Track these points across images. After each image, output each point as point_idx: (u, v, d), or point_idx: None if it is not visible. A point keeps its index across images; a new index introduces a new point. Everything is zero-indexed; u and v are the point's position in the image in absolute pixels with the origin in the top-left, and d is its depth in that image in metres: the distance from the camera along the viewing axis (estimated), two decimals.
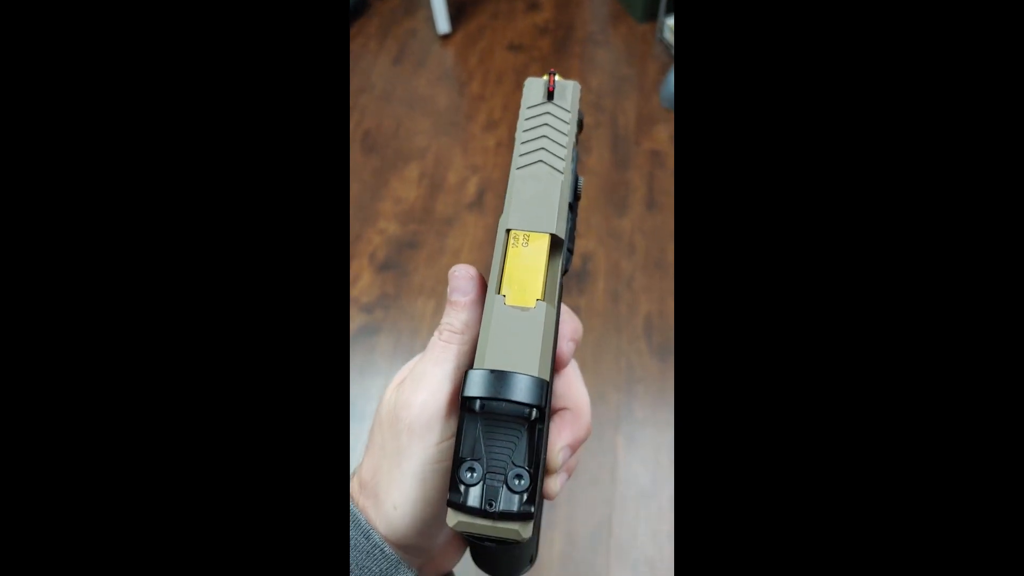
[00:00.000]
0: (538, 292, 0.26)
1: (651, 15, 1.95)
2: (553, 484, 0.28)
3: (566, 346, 0.30)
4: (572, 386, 0.31)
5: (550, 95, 0.31)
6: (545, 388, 0.24)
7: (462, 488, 0.23)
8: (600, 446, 1.16)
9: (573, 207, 0.31)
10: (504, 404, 0.24)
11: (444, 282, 1.40)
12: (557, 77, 0.31)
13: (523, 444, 0.24)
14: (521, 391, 0.23)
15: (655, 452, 1.15)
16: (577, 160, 0.32)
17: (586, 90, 1.74)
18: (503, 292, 0.26)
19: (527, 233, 0.27)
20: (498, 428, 0.24)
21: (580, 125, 0.33)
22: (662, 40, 1.89)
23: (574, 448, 0.29)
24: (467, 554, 0.32)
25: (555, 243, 0.28)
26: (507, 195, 0.29)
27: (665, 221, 1.49)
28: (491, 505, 0.23)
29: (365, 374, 1.28)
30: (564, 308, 0.31)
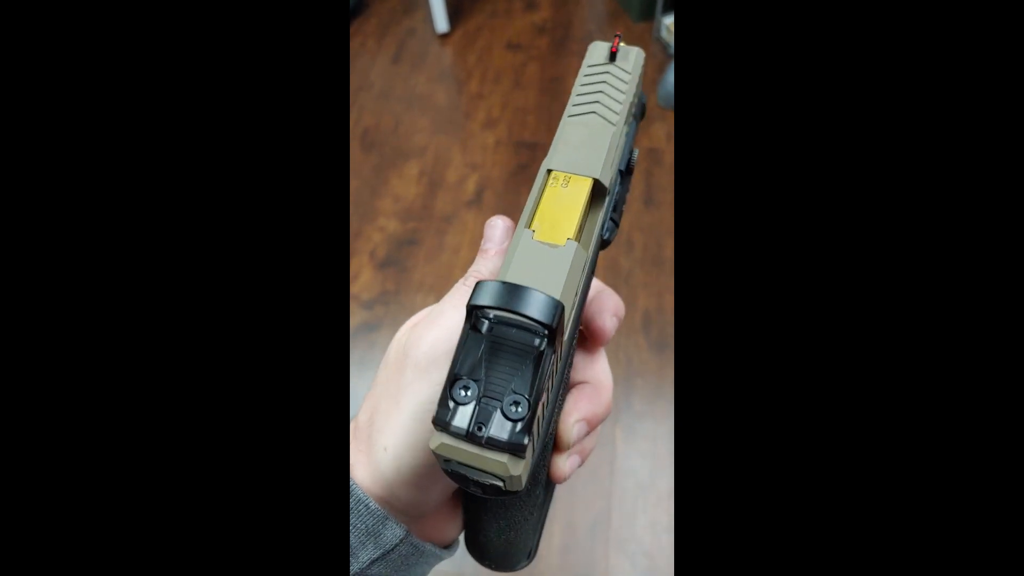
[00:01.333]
0: (571, 231, 0.24)
1: (648, 14, 1.96)
2: (563, 464, 0.26)
3: (608, 321, 0.28)
4: (596, 363, 0.29)
5: (612, 56, 0.30)
6: (561, 311, 0.20)
7: (451, 405, 0.20)
8: (599, 438, 1.17)
9: (625, 177, 0.29)
10: (513, 329, 0.21)
11: (443, 279, 1.42)
12: (621, 42, 0.31)
13: (528, 372, 0.21)
14: (535, 307, 0.20)
15: (653, 444, 1.16)
16: (634, 136, 0.31)
17: None
18: (533, 228, 0.24)
19: (568, 175, 0.26)
20: (503, 353, 0.21)
21: (643, 109, 0.32)
22: (659, 39, 1.90)
23: (591, 424, 0.27)
24: (467, 552, 0.31)
25: (597, 190, 0.26)
26: (554, 139, 0.27)
27: (662, 218, 1.50)
28: (480, 429, 0.20)
29: (364, 369, 1.30)
30: (604, 286, 0.29)
